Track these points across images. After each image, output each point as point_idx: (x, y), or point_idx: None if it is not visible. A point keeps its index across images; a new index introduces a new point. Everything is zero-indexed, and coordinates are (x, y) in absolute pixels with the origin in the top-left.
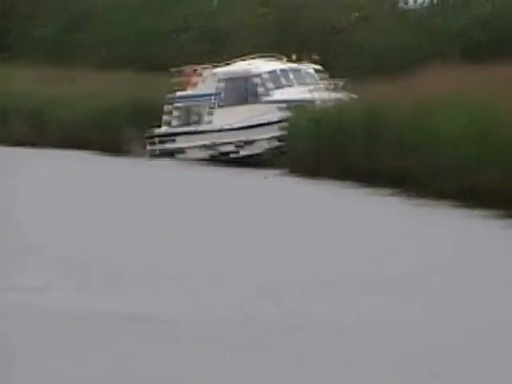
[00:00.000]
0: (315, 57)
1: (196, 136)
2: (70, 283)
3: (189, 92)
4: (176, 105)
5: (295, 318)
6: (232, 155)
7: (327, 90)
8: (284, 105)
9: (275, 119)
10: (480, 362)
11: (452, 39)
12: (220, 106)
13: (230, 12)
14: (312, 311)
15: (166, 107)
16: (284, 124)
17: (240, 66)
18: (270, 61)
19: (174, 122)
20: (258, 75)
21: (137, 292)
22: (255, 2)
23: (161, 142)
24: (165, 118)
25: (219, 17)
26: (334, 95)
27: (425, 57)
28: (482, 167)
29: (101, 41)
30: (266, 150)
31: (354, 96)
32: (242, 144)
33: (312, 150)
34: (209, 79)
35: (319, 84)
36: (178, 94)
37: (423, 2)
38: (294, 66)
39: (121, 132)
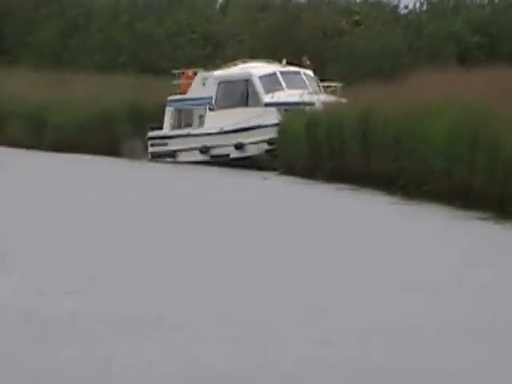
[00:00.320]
0: (307, 62)
1: (189, 139)
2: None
3: (182, 95)
4: (169, 108)
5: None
6: (225, 158)
7: (319, 93)
8: (282, 107)
9: (268, 122)
10: None
11: (445, 43)
12: (213, 109)
13: (227, 17)
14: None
15: (167, 109)
16: (278, 127)
17: (236, 70)
18: (267, 64)
19: (169, 125)
20: (255, 78)
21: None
22: (252, 8)
23: (159, 145)
24: (166, 119)
25: (216, 21)
26: (328, 98)
27: (418, 61)
28: (473, 169)
29: (98, 45)
30: (259, 152)
31: (344, 100)
32: (235, 147)
33: (304, 152)
34: (202, 82)
35: (318, 87)
36: (171, 97)
37: (416, 7)
38: (293, 68)
39: (119, 135)
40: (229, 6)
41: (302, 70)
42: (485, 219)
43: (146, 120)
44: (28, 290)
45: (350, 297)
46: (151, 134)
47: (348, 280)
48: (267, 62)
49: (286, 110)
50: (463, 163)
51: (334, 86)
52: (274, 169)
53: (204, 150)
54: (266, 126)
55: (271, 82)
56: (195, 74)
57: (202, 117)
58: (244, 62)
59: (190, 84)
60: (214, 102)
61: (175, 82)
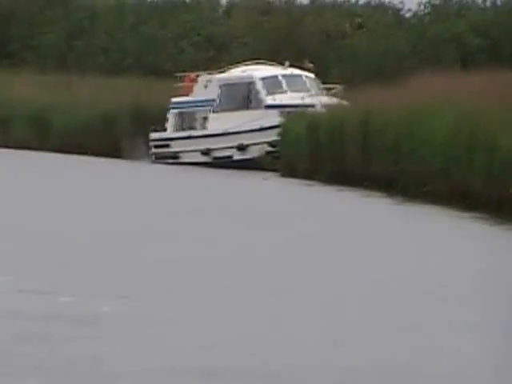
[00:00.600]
0: (309, 65)
1: (192, 140)
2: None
3: (185, 98)
4: (172, 110)
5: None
6: (227, 159)
7: (320, 95)
8: (284, 109)
9: (270, 124)
10: None
11: (448, 46)
12: (215, 112)
13: (231, 20)
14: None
15: (170, 111)
16: (279, 129)
17: (238, 72)
18: (269, 66)
19: (172, 127)
20: (257, 80)
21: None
22: (255, 11)
23: (162, 146)
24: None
25: (220, 24)
26: (329, 101)
27: (421, 63)
28: (471, 171)
29: (103, 47)
30: (261, 154)
31: (346, 102)
32: (237, 148)
33: (305, 154)
34: (205, 85)
35: (319, 89)
36: (174, 100)
37: (419, 10)
38: (295, 71)
39: (122, 136)
40: (233, 9)
41: (303, 73)
42: (482, 219)
43: (149, 122)
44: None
45: (363, 299)
46: (154, 135)
47: (357, 281)
48: (269, 64)
49: (287, 113)
50: (461, 165)
51: (336, 89)
52: (275, 170)
53: (206, 152)
54: (267, 128)
55: (273, 84)
56: (198, 76)
57: (204, 119)
58: (247, 64)
59: (192, 87)
60: (216, 104)
61: (178, 84)
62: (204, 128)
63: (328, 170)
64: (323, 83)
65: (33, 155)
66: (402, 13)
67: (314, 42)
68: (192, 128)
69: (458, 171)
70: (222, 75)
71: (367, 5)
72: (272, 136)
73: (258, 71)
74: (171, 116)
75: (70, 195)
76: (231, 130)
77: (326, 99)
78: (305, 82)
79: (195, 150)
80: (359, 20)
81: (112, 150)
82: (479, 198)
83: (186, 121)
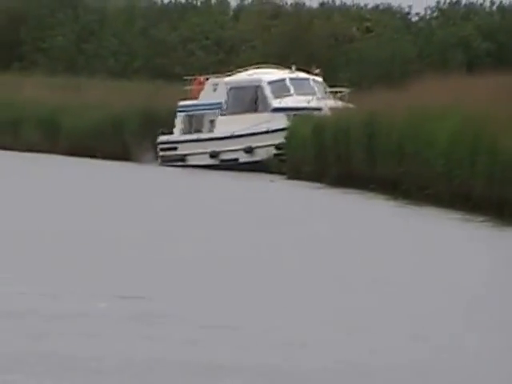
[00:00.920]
0: (316, 70)
1: (199, 143)
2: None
3: (193, 101)
4: (180, 113)
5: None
6: (234, 162)
7: (327, 99)
8: (290, 112)
9: (277, 127)
10: None
11: (455, 49)
12: (223, 115)
13: (240, 23)
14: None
15: (178, 114)
16: (286, 132)
17: (246, 76)
18: (277, 70)
19: (180, 130)
20: (264, 84)
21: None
22: (264, 14)
23: (170, 149)
24: (177, 124)
25: (229, 28)
26: (335, 104)
27: (428, 67)
28: (473, 173)
29: (113, 50)
30: (268, 156)
31: (351, 105)
32: (244, 151)
33: (311, 156)
34: (213, 88)
35: (326, 93)
36: (182, 103)
37: (426, 14)
38: (302, 75)
39: (131, 139)
40: (242, 13)
41: (310, 76)
42: (483, 222)
43: (158, 125)
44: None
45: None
46: (162, 138)
47: (366, 281)
48: (276, 68)
49: (294, 116)
50: (464, 167)
51: (342, 92)
52: (282, 173)
53: (214, 155)
54: (274, 131)
55: (280, 87)
56: (206, 79)
57: (212, 122)
58: (254, 67)
59: (201, 90)
60: (224, 107)
61: (187, 87)
62: (211, 131)
63: (334, 172)
64: (331, 87)
65: (42, 158)
66: (409, 17)
67: (323, 46)
68: (199, 131)
69: (460, 174)
70: (230, 78)
71: (375, 9)
72: (279, 139)
73: (266, 75)
74: (179, 119)
75: (87, 200)
76: (239, 133)
77: (332, 102)
78: (312, 86)
79: (203, 153)
80: (368, 24)
81: (120, 152)
82: (481, 200)
83: (194, 124)
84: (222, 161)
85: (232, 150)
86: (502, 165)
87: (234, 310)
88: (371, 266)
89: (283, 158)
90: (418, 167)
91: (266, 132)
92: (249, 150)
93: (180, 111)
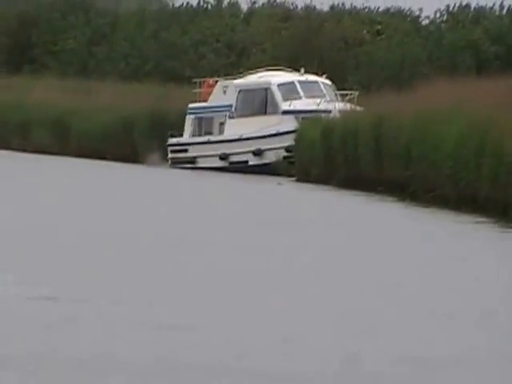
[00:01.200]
0: (323, 77)
1: (209, 146)
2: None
3: (203, 103)
4: (190, 115)
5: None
6: (243, 164)
7: (336, 101)
8: (300, 115)
9: (286, 129)
10: None
11: (464, 53)
12: (232, 117)
13: (251, 26)
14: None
15: (188, 117)
16: (294, 134)
17: (255, 78)
18: (286, 73)
19: (189, 132)
20: (274, 87)
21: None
22: (275, 17)
23: (180, 151)
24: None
25: (240, 31)
26: (344, 107)
27: (437, 70)
28: (479, 175)
29: (124, 53)
30: (277, 159)
31: (360, 108)
32: (253, 154)
33: (320, 159)
34: (222, 91)
35: (335, 96)
36: (192, 105)
37: (436, 17)
38: (311, 77)
39: (140, 141)
40: (253, 16)
41: (319, 79)
42: (487, 223)
43: (168, 127)
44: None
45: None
46: (172, 140)
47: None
48: (286, 70)
49: (303, 118)
50: (470, 169)
51: (351, 94)
52: (291, 175)
53: (223, 157)
54: (283, 134)
55: (289, 90)
56: (216, 82)
57: (222, 124)
58: (265, 70)
59: (210, 92)
60: (233, 109)
61: (196, 90)
62: (221, 133)
63: (342, 174)
64: (341, 89)
65: (53, 160)
66: (419, 20)
67: (333, 49)
68: (209, 133)
69: (466, 176)
70: (240, 81)
71: (386, 12)
72: (288, 141)
73: (275, 77)
74: (189, 121)
75: (103, 202)
76: (248, 136)
77: (341, 105)
78: (321, 88)
79: (212, 155)
80: (378, 27)
81: (130, 155)
82: (487, 202)
83: (204, 126)
84: (232, 163)
85: (241, 153)
86: (506, 167)
87: (246, 314)
88: (383, 269)
89: (292, 160)
90: (425, 170)
91: (276, 135)
92: (258, 153)
93: (190, 113)
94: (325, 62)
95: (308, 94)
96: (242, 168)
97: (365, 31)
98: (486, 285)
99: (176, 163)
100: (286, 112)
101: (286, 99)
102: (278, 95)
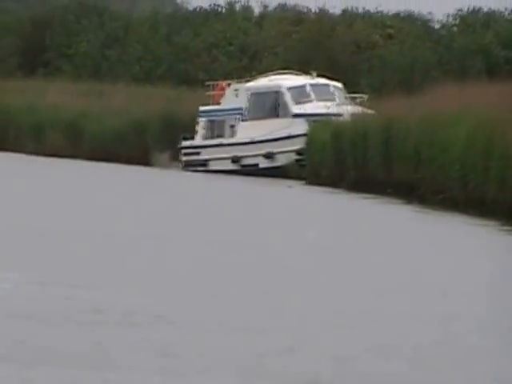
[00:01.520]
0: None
1: (221, 148)
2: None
3: (214, 106)
4: (202, 118)
5: None
6: (255, 167)
7: (346, 105)
8: (310, 118)
9: (297, 132)
10: None
11: (475, 57)
12: (244, 120)
13: (263, 29)
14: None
15: (200, 120)
16: (305, 137)
17: (266, 81)
18: (297, 76)
19: (201, 135)
20: (285, 90)
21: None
22: (287, 21)
23: (192, 154)
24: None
25: (252, 34)
26: (355, 110)
27: (448, 74)
28: (487, 178)
29: (137, 56)
30: (288, 162)
31: (370, 111)
32: (265, 156)
33: (330, 162)
34: (234, 94)
35: (346, 99)
36: (203, 108)
37: (447, 21)
38: (322, 81)
39: (152, 144)
40: (265, 19)
41: (330, 82)
42: (494, 226)
43: (180, 130)
44: None
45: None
46: (184, 143)
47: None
48: (297, 74)
49: (313, 121)
50: (478, 172)
51: (362, 98)
52: (302, 178)
53: (235, 160)
54: (294, 137)
55: (300, 93)
56: (228, 85)
57: (233, 127)
58: (276, 74)
59: (222, 95)
60: (245, 112)
61: (208, 93)
62: (233, 136)
63: (352, 177)
64: (352, 93)
65: (66, 163)
66: (430, 24)
67: (344, 52)
68: (221, 136)
69: (474, 179)
70: (251, 84)
71: (398, 16)
72: (299, 144)
73: (286, 81)
74: (200, 124)
75: (122, 204)
76: (259, 139)
77: (351, 108)
78: (332, 92)
79: (224, 158)
80: (390, 31)
81: (143, 157)
82: (494, 204)
83: (215, 129)
84: (243, 166)
85: (253, 156)
86: None
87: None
88: (391, 270)
89: (303, 163)
90: (434, 172)
91: (287, 138)
92: (269, 156)
93: (201, 116)
94: (337, 65)
95: (319, 98)
96: (253, 171)
97: (377, 35)
98: (492, 286)
99: (188, 166)
100: (296, 115)
101: (296, 102)
102: (288, 98)
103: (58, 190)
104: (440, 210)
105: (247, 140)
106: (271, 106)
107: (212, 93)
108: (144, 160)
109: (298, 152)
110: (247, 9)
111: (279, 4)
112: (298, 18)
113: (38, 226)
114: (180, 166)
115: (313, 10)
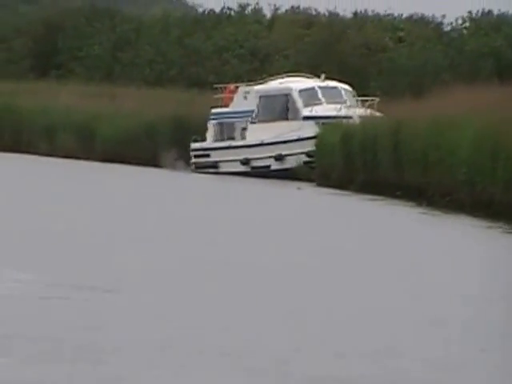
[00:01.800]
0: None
1: (231, 151)
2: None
3: (225, 109)
4: (212, 121)
5: None
6: (265, 169)
7: (356, 107)
8: (320, 121)
9: (307, 135)
10: None
11: (486, 60)
12: (254, 122)
13: (274, 32)
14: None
15: (210, 122)
16: (315, 140)
17: (276, 84)
18: (307, 78)
19: (212, 138)
20: (295, 92)
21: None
22: (298, 24)
23: (202, 156)
24: (209, 132)
25: (263, 37)
26: (364, 112)
27: (458, 77)
28: (494, 180)
29: (148, 59)
30: (298, 164)
31: (380, 114)
32: (275, 159)
33: (340, 164)
34: (244, 96)
35: (355, 101)
36: (214, 110)
37: (458, 24)
38: (332, 83)
39: (163, 146)
40: (276, 22)
41: (340, 85)
42: (499, 228)
43: (191, 133)
44: None
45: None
46: (195, 145)
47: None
48: (306, 76)
49: (323, 124)
50: (485, 174)
51: (372, 100)
52: (312, 180)
53: (245, 162)
54: (304, 139)
55: (310, 96)
56: (237, 88)
57: (243, 130)
58: (286, 76)
59: (232, 98)
60: (255, 115)
61: (218, 95)
62: (243, 138)
63: (361, 179)
64: (362, 95)
65: (80, 164)
66: (442, 27)
67: (355, 55)
68: (231, 138)
69: (481, 181)
70: (261, 87)
71: (408, 18)
72: (309, 146)
73: (296, 83)
74: (211, 126)
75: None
76: (269, 141)
77: (361, 111)
78: (341, 94)
79: (234, 160)
80: (401, 34)
81: (154, 159)
82: (501, 207)
83: (226, 131)
84: (253, 168)
85: (263, 158)
86: None
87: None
88: (406, 273)
89: (313, 165)
90: (442, 175)
91: (297, 140)
92: (279, 158)
93: (212, 119)
94: (347, 68)
95: (328, 100)
96: (263, 173)
97: (387, 38)
98: (496, 289)
99: (199, 168)
100: (306, 118)
101: (306, 105)
102: (298, 101)
103: (72, 192)
104: (448, 213)
105: (257, 142)
106: (281, 108)
107: (221, 96)
108: (154, 162)
109: (308, 154)
110: (258, 12)
111: (290, 7)
112: (309, 21)
113: (56, 228)
114: (190, 168)
115: (323, 13)
